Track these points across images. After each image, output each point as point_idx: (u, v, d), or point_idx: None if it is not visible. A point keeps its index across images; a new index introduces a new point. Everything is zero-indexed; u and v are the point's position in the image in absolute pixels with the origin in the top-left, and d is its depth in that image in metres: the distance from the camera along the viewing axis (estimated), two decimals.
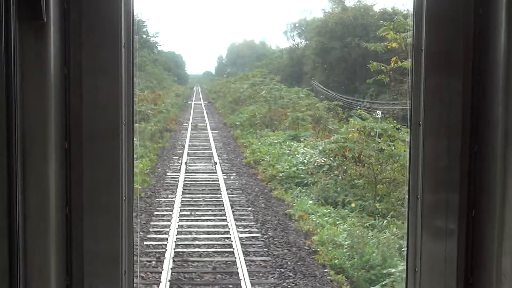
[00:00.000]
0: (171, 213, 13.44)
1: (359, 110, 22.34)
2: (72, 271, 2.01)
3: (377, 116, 21.42)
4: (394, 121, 23.27)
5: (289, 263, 10.32)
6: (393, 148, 17.38)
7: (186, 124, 34.47)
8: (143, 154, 21.12)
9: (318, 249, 11.08)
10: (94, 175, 2.00)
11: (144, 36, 61.25)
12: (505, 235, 1.91)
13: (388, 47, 14.83)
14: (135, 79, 2.12)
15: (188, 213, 13.70)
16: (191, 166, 20.16)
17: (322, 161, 17.50)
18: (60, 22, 1.93)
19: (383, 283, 9.30)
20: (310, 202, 14.99)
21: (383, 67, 15.22)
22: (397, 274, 9.30)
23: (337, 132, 20.60)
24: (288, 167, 18.47)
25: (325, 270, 10.09)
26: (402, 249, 10.10)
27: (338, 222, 12.92)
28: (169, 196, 15.48)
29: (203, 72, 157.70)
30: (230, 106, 42.51)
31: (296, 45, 65.43)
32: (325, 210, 14.24)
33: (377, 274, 9.86)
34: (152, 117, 31.13)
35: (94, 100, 1.99)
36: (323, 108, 25.14)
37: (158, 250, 10.71)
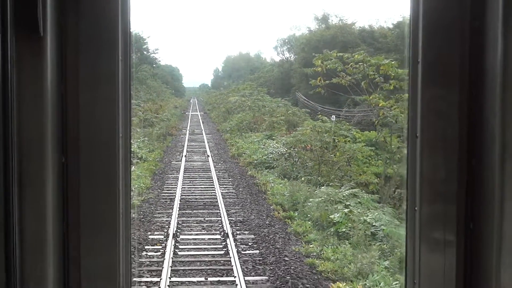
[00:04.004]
0: (176, 182, 21.14)
1: (319, 115, 30.06)
2: (69, 287, 2.05)
3: (332, 120, 29.25)
4: (347, 123, 31.36)
5: (249, 201, 18.09)
6: (336, 141, 25.19)
7: (185, 131, 42.37)
8: (153, 149, 29.04)
9: (269, 197, 18.79)
10: (91, 189, 2.04)
11: (145, 52, 69.11)
12: (504, 247, 1.94)
13: (315, 70, 22.64)
14: (132, 93, 2.18)
15: (188, 181, 21.45)
16: (190, 158, 27.90)
17: (284, 150, 25.27)
18: (56, 36, 1.96)
19: (300, 210, 16.96)
20: (272, 177, 22.69)
21: (320, 83, 23.09)
22: (309, 203, 16.91)
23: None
24: (261, 156, 26.27)
25: (271, 207, 17.75)
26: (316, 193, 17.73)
27: (286, 185, 20.62)
28: (175, 174, 23.23)
29: (200, 85, 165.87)
30: (223, 115, 50.52)
31: (286, 59, 73.29)
32: (281, 181, 21.93)
33: (302, 207, 17.48)
34: (156, 124, 39.07)
35: (91, 114, 2.03)
36: (292, 114, 33.05)
37: (170, 197, 18.46)
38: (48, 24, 1.88)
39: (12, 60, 1.80)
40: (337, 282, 10.54)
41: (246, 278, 10.84)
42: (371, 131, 28.52)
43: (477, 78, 2.06)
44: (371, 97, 20.21)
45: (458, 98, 2.09)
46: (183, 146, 32.59)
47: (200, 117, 58.40)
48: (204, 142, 34.77)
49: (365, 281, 10.72)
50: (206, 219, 15.71)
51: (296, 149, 25.33)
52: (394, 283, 10.67)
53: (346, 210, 15.20)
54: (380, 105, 19.91)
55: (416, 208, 2.14)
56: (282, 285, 10.52)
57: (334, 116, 30.12)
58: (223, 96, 64.30)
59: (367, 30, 60.96)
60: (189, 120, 54.06)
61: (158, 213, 16.34)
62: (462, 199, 2.11)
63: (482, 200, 2.05)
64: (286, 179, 22.36)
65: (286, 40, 74.73)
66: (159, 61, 77.07)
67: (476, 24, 2.05)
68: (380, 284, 10.50)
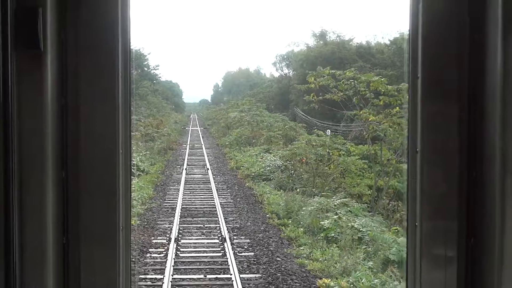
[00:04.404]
0: (177, 193, 22.38)
1: (315, 129, 31.38)
2: None
3: (327, 134, 30.55)
4: (342, 137, 32.67)
5: (245, 210, 19.33)
6: (330, 154, 26.48)
7: (185, 145, 43.66)
8: (155, 162, 30.33)
9: (265, 206, 20.01)
10: (91, 205, 2.08)
11: (146, 69, 70.55)
12: (505, 263, 1.96)
13: (309, 87, 24.01)
14: (132, 109, 2.21)
15: (189, 192, 22.70)
16: (190, 170, 29.16)
17: (280, 163, 26.54)
18: (57, 52, 1.99)
19: (293, 217, 18.16)
20: (269, 188, 23.92)
21: (313, 99, 24.45)
22: (302, 212, 18.12)
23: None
24: (258, 169, 27.52)
25: (267, 215, 18.96)
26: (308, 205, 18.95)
27: (282, 195, 21.84)
28: (176, 185, 24.48)
29: (200, 100, 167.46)
30: (222, 130, 51.86)
31: (285, 75, 74.66)
32: (277, 192, 23.15)
33: (295, 215, 18.67)
34: (157, 138, 40.38)
35: (91, 130, 2.06)
36: (289, 129, 34.40)
37: (172, 206, 19.68)
38: (48, 39, 1.92)
39: (13, 75, 1.83)
40: (323, 279, 11.75)
41: (241, 275, 12.04)
42: (365, 145, 29.83)
43: (477, 93, 2.07)
44: (361, 112, 21.54)
45: (458, 112, 2.10)
46: (184, 159, 33.84)
47: (200, 132, 59.76)
48: (204, 156, 36.05)
49: (349, 278, 11.93)
50: (205, 225, 16.93)
51: (292, 162, 26.58)
52: (375, 280, 11.86)
53: (335, 217, 16.44)
54: (370, 119, 21.20)
55: (416, 224, 2.15)
56: (273, 281, 11.74)
57: (329, 130, 31.47)
58: (222, 112, 65.68)
59: (364, 46, 62.48)
60: (189, 135, 55.41)
61: (161, 221, 17.57)
62: (462, 215, 2.11)
63: (483, 215, 2.04)
64: (282, 191, 23.56)
65: (285, 56, 76.07)
66: (160, 77, 78.45)
67: (476, 39, 2.07)
68: (362, 280, 11.70)
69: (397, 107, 21.19)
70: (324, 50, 61.42)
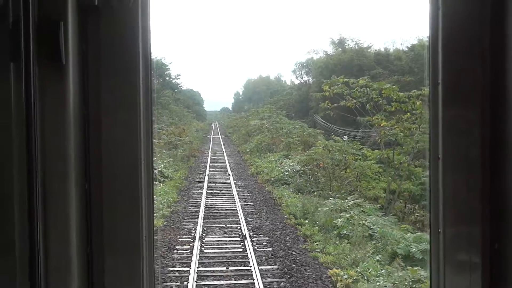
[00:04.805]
0: (200, 197, 23.86)
1: (332, 135, 32.70)
2: None
3: (344, 140, 31.86)
4: (359, 143, 33.93)
5: (265, 211, 20.74)
6: (346, 159, 27.78)
7: (207, 152, 45.22)
8: (178, 169, 31.92)
9: (283, 208, 21.39)
10: (114, 215, 2.12)
11: (167, 78, 72.45)
12: None
13: (323, 94, 25.44)
14: (153, 118, 2.24)
15: (211, 196, 24.18)
16: (212, 176, 30.66)
17: (298, 168, 27.91)
18: (79, 64, 2.03)
19: (309, 218, 19.49)
20: (287, 192, 25.29)
21: (328, 106, 25.87)
22: (318, 213, 19.45)
23: None
24: (277, 174, 28.93)
25: (285, 216, 20.34)
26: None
27: (300, 198, 23.19)
28: (199, 190, 25.98)
29: (221, 108, 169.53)
30: (243, 138, 53.39)
31: (304, 83, 75.98)
32: (295, 195, 24.50)
33: (311, 216, 20.00)
34: (180, 146, 42.00)
35: (113, 140, 2.11)
36: (308, 135, 35.81)
37: (196, 209, 21.15)
38: (70, 52, 1.95)
39: (36, 88, 1.85)
40: (334, 269, 13.09)
41: (260, 267, 13.43)
42: (379, 150, 31.07)
43: (498, 97, 2.06)
44: (374, 118, 22.84)
45: (479, 118, 2.10)
46: (206, 166, 35.38)
47: (221, 140, 61.38)
48: (225, 162, 37.57)
49: (357, 268, 13.24)
50: (227, 225, 18.37)
51: (309, 167, 27.93)
52: (382, 271, 13.14)
53: (347, 216, 17.76)
54: (382, 125, 22.49)
55: (439, 230, 2.15)
56: (288, 271, 13.11)
57: (346, 136, 32.74)
58: (243, 119, 67.32)
59: (382, 53, 63.57)
60: (211, 142, 57.04)
61: (186, 222, 19.04)
62: (486, 220, 2.10)
63: (507, 220, 2.03)
64: (300, 194, 24.91)
65: (304, 64, 77.38)
66: (181, 86, 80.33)
67: (496, 44, 2.07)
68: (369, 270, 13.00)
69: (408, 113, 22.43)
70: (343, 57, 62.60)
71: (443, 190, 2.16)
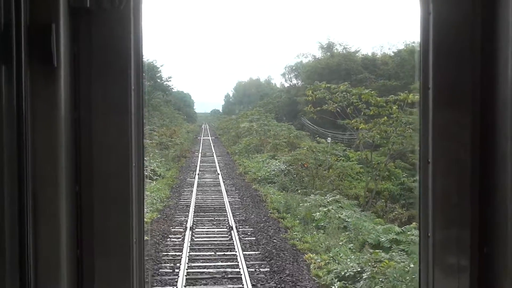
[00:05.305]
0: (191, 193, 25.70)
1: (317, 137, 34.69)
2: None
3: (327, 141, 33.85)
4: (342, 144, 35.89)
5: (251, 206, 22.65)
6: (329, 159, 29.76)
7: (197, 153, 47.10)
8: (170, 168, 33.80)
9: (268, 204, 23.29)
10: (104, 218, 2.13)
11: (159, 80, 74.00)
12: None
13: (306, 99, 27.42)
14: (144, 121, 2.25)
15: (201, 193, 26.05)
16: (202, 175, 32.52)
17: (284, 167, 29.85)
18: (70, 66, 2.04)
19: (291, 212, 21.37)
20: (273, 189, 27.18)
21: (311, 110, 27.88)
22: (300, 208, 21.32)
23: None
24: (264, 173, 30.86)
25: (269, 211, 22.21)
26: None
27: (284, 195, 25.09)
28: (189, 188, 27.84)
29: (211, 110, 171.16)
30: (232, 139, 55.34)
31: (293, 86, 77.83)
32: (280, 193, 26.40)
33: (293, 210, 21.86)
34: (171, 147, 43.84)
35: (104, 143, 2.12)
36: (294, 137, 37.82)
37: (187, 204, 23.00)
38: (62, 54, 1.97)
39: (27, 91, 1.86)
40: (309, 254, 14.99)
41: (244, 252, 15.31)
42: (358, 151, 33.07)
43: (488, 102, 2.11)
44: (352, 121, 24.82)
45: (469, 122, 2.15)
46: (196, 166, 37.24)
47: (211, 141, 63.27)
48: (215, 162, 39.47)
49: (330, 253, 15.15)
50: (216, 218, 20.23)
51: (294, 167, 29.87)
52: (351, 256, 15.04)
53: (325, 210, 19.69)
54: (360, 127, 24.47)
55: (429, 234, 2.20)
56: (269, 255, 15.01)
57: (329, 138, 34.76)
58: (233, 121, 69.17)
59: (369, 58, 65.54)
60: (201, 144, 58.91)
61: (177, 215, 20.88)
62: (475, 224, 2.16)
63: (496, 224, 2.08)
64: (284, 191, 26.83)
65: (294, 67, 79.36)
66: (172, 88, 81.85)
67: (487, 49, 2.11)
68: (340, 255, 14.90)
69: (385, 117, 24.42)
70: (331, 61, 64.42)
71: (432, 194, 2.20)
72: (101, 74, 2.12)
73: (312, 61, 70.13)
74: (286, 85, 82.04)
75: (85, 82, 2.12)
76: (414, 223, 18.73)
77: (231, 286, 12.61)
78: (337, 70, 61.94)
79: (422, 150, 2.24)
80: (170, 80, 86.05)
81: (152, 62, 70.79)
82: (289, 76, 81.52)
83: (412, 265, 12.14)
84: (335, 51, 68.44)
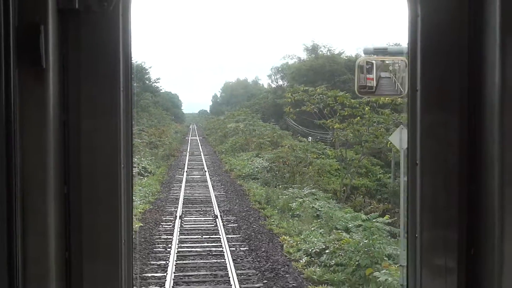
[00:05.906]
0: (180, 188, 28.11)
1: (298, 136, 37.22)
2: None
3: (308, 140, 36.41)
4: (322, 143, 38.43)
5: (235, 199, 25.13)
6: (309, 157, 32.30)
7: (185, 152, 49.55)
8: (159, 166, 36.23)
9: (251, 197, 25.75)
10: (93, 219, 2.15)
11: (147, 81, 76.24)
12: (505, 273, 2.00)
13: (286, 100, 29.95)
14: (133, 122, 2.26)
15: (189, 188, 28.49)
16: (190, 173, 34.97)
17: (266, 165, 32.35)
18: (59, 68, 2.04)
19: (271, 204, 23.84)
20: (256, 185, 29.64)
21: (291, 110, 30.43)
22: (279, 200, 23.80)
23: None
24: (248, 170, 33.35)
25: (251, 203, 24.66)
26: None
27: (266, 190, 27.55)
28: (178, 183, 30.26)
29: (199, 111, 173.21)
30: (219, 139, 57.81)
31: (279, 87, 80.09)
32: (262, 188, 28.85)
33: (273, 202, 24.30)
34: (160, 146, 46.23)
35: (93, 144, 2.13)
36: (278, 136, 40.38)
37: (176, 197, 25.41)
38: (50, 56, 1.97)
39: (15, 92, 1.86)
40: (283, 236, 17.49)
41: (227, 236, 17.76)
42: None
43: (476, 104, 2.14)
44: (328, 121, 27.35)
45: (457, 124, 2.18)
46: (184, 164, 39.69)
47: (199, 141, 65.72)
48: (202, 161, 41.94)
49: (302, 236, 17.63)
50: (202, 209, 22.68)
51: (276, 164, 32.37)
52: (321, 239, 17.51)
53: (300, 200, 22.20)
54: (335, 127, 26.99)
55: (416, 235, 2.23)
56: (248, 237, 17.50)
57: (310, 137, 37.34)
58: (220, 122, 71.57)
59: (353, 60, 67.79)
60: (189, 144, 61.37)
61: (168, 207, 23.30)
62: (463, 225, 2.19)
63: (483, 225, 2.11)
64: (266, 186, 29.30)
65: (280, 68, 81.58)
66: (160, 89, 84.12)
67: (475, 51, 2.14)
68: (310, 237, 17.39)
69: (358, 117, 26.94)
70: (315, 63, 66.74)
71: (420, 195, 2.23)
72: (90, 75, 2.14)
73: (297, 63, 72.45)
74: (273, 86, 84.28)
75: (74, 83, 2.14)
76: (387, 215, 21.21)
77: (215, 260, 15.06)
78: (321, 72, 63.96)
79: (410, 152, 2.28)
80: (159, 82, 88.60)
81: (141, 64, 73.11)
82: (275, 77, 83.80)
83: (365, 241, 14.60)
84: (320, 53, 70.85)
